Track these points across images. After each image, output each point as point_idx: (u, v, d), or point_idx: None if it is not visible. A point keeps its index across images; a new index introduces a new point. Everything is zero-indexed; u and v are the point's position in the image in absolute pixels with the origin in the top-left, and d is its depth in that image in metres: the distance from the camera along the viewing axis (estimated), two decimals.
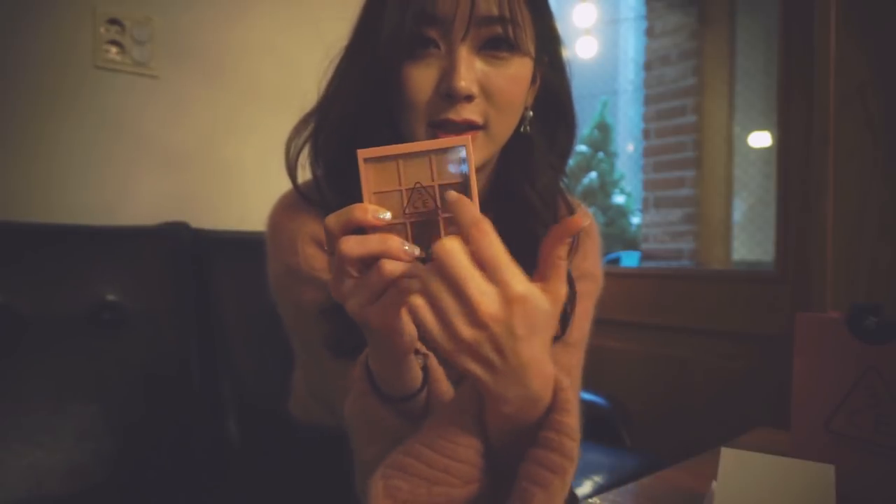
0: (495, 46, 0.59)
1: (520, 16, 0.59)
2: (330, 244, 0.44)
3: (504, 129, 0.62)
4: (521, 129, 0.66)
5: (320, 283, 0.67)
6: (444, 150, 0.43)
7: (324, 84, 0.71)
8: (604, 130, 5.47)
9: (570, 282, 0.70)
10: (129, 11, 1.33)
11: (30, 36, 1.23)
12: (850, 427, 0.67)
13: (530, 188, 0.66)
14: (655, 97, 2.76)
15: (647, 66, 2.83)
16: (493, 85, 0.58)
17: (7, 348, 0.98)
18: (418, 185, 0.43)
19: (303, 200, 0.71)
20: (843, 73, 1.35)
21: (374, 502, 0.44)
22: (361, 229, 0.43)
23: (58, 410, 0.98)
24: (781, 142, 1.54)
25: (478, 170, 0.58)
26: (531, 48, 0.62)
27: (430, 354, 0.55)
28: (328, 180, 0.68)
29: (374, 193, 0.44)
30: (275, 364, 1.21)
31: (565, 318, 0.70)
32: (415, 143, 0.44)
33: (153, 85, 1.38)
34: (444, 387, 0.55)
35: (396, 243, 0.42)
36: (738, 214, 2.67)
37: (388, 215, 0.43)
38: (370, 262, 0.42)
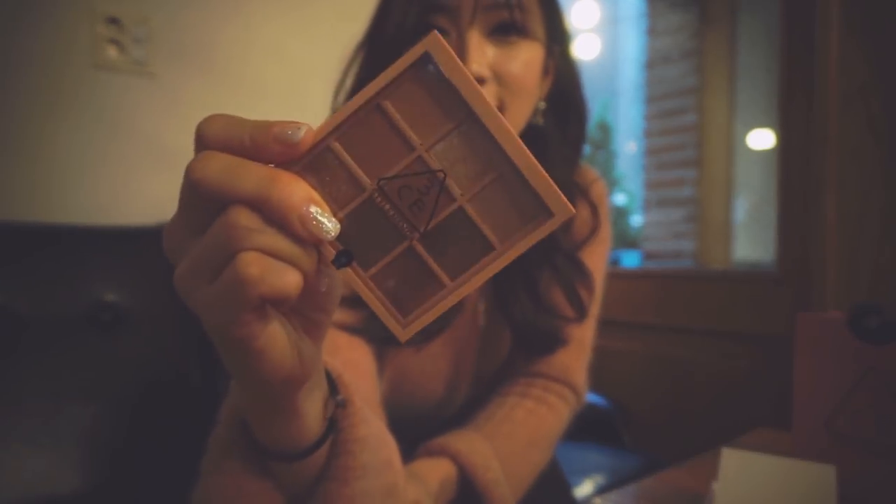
0: (504, 31, 0.59)
1: (526, 1, 0.59)
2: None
3: (520, 114, 0.62)
4: (535, 122, 0.65)
5: None
6: (414, 66, 0.28)
7: (337, 83, 0.70)
8: (604, 130, 5.48)
9: (583, 267, 0.71)
10: (127, 10, 1.33)
11: (27, 35, 1.23)
12: (852, 427, 0.67)
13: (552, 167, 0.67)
14: (656, 96, 2.75)
15: (648, 65, 2.83)
16: (506, 69, 0.58)
17: (6, 349, 0.98)
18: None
19: None
20: (844, 72, 1.35)
21: None
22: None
23: (57, 410, 0.98)
24: (783, 141, 1.54)
25: None
26: (541, 34, 0.62)
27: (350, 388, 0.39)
28: None
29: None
30: None
31: (579, 302, 0.71)
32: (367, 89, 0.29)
33: (152, 84, 1.38)
34: (363, 431, 0.39)
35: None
36: (739, 214, 2.67)
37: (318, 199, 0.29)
38: None
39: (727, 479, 0.55)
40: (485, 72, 0.57)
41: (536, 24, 0.61)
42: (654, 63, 2.79)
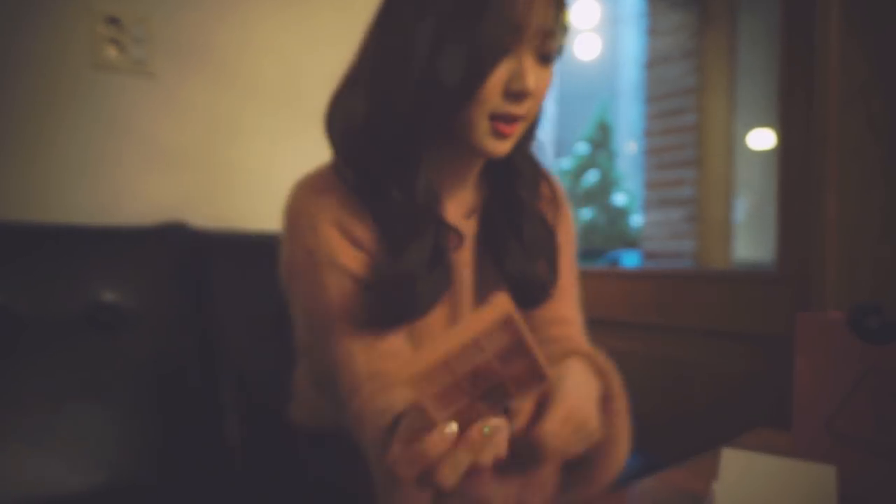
0: (545, 59, 0.69)
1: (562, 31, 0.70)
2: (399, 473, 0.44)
3: (532, 118, 0.73)
4: None
5: (340, 267, 0.70)
6: (491, 330, 0.42)
7: (372, 61, 0.74)
8: (604, 130, 5.46)
9: (549, 229, 0.81)
10: (127, 10, 1.33)
11: (27, 34, 1.23)
12: (852, 427, 0.67)
13: (518, 154, 0.77)
14: (656, 96, 2.75)
15: (648, 64, 2.82)
16: (539, 88, 0.69)
17: (5, 349, 0.98)
18: (476, 369, 0.43)
19: (323, 183, 0.74)
20: (845, 72, 1.35)
21: None
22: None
23: (57, 410, 0.98)
24: (783, 141, 1.53)
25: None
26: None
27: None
28: (383, 165, 0.71)
29: (433, 396, 0.42)
30: (275, 364, 1.21)
31: (553, 266, 0.81)
32: (457, 334, 0.42)
33: (152, 84, 1.37)
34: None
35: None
36: (739, 214, 2.66)
37: (454, 428, 0.43)
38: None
39: (727, 479, 0.55)
40: (534, 88, 0.67)
41: (560, 51, 0.71)
42: (654, 63, 2.78)
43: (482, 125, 0.68)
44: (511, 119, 0.68)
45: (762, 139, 2.66)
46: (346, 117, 0.74)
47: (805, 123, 1.45)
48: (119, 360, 1.07)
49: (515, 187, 0.78)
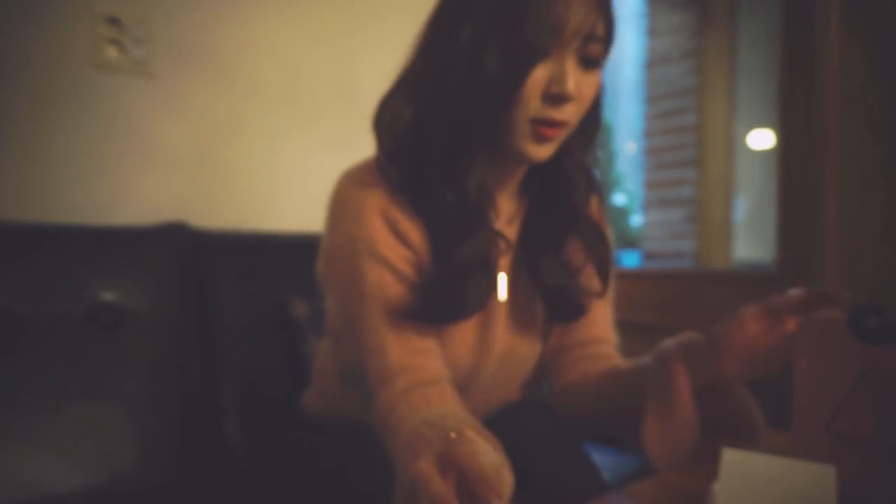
0: (589, 62, 0.68)
1: (608, 37, 0.70)
2: None
3: (575, 124, 0.72)
4: None
5: (382, 258, 0.70)
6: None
7: (421, 65, 0.73)
8: (604, 130, 5.47)
9: (604, 235, 0.82)
10: (127, 10, 1.33)
11: (27, 35, 1.23)
12: (852, 428, 0.67)
13: (569, 161, 0.77)
14: (656, 96, 2.76)
15: (648, 65, 2.83)
16: (583, 94, 0.69)
17: (6, 349, 0.98)
18: None
19: (370, 176, 0.74)
20: (845, 72, 1.35)
21: None
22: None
23: (57, 410, 0.98)
24: (783, 141, 1.54)
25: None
26: (603, 63, 0.72)
27: None
28: (434, 166, 0.70)
29: None
30: (274, 363, 1.21)
31: (605, 274, 0.82)
32: None
33: (152, 84, 1.38)
34: None
35: None
36: (738, 214, 2.67)
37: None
38: None
39: (727, 479, 0.55)
40: (574, 92, 0.67)
41: (605, 56, 0.71)
42: (653, 63, 2.79)
43: (523, 128, 0.67)
44: (552, 123, 0.67)
45: (762, 139, 2.66)
46: (393, 117, 0.73)
47: (805, 124, 1.45)
48: (119, 360, 1.07)
49: (566, 194, 0.78)
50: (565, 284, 0.78)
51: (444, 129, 0.69)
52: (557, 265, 0.78)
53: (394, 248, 0.70)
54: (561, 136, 0.70)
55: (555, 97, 0.66)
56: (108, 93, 1.32)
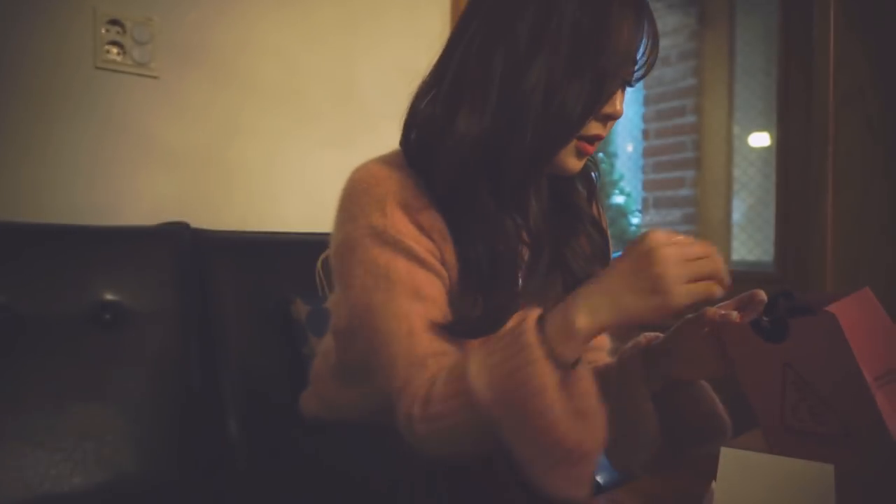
0: (633, 83, 0.72)
1: None
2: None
3: None
4: None
5: (407, 249, 0.69)
6: None
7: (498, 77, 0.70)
8: None
9: (604, 230, 0.84)
10: (129, 12, 1.34)
11: (30, 36, 1.23)
12: (796, 421, 0.67)
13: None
14: (655, 97, 2.76)
15: None
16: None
17: (7, 348, 0.98)
18: None
19: (394, 168, 0.73)
20: (842, 72, 1.35)
21: None
22: None
23: (58, 410, 0.99)
24: (781, 142, 1.54)
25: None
26: None
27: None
28: (491, 192, 0.71)
29: None
30: (274, 364, 1.21)
31: (605, 260, 0.84)
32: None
33: (154, 85, 1.38)
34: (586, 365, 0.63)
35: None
36: (737, 214, 2.67)
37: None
38: None
39: (726, 479, 0.55)
40: (621, 114, 0.71)
41: None
42: None
43: (570, 146, 0.70)
44: (595, 140, 0.71)
45: (761, 140, 2.67)
46: (435, 126, 0.71)
47: (803, 124, 1.46)
48: (121, 360, 1.07)
49: (573, 197, 0.81)
50: (591, 271, 0.79)
51: (521, 161, 0.69)
52: (581, 253, 0.80)
53: (418, 240, 0.70)
54: (596, 149, 0.73)
55: (607, 117, 0.70)
56: (110, 93, 1.32)
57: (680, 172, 2.65)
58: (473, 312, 0.68)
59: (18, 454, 0.94)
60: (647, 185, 2.81)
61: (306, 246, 1.14)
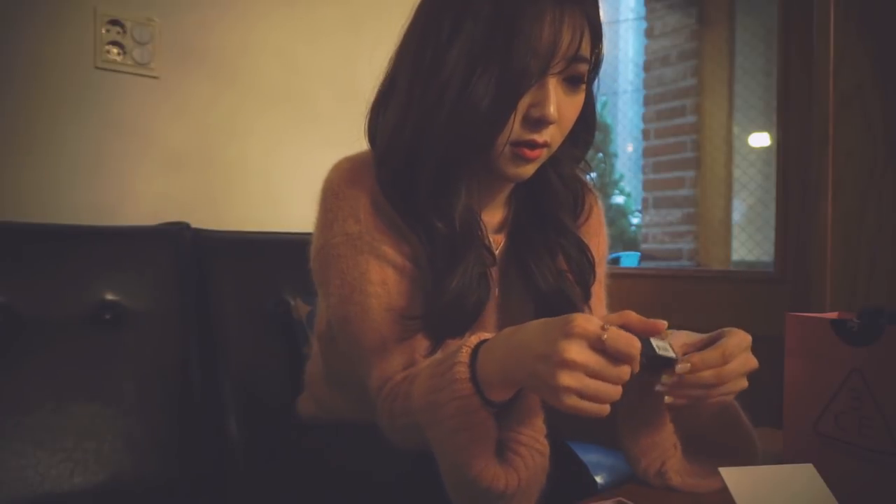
0: (573, 81, 0.68)
1: (590, 55, 0.68)
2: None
3: (558, 144, 0.72)
4: None
5: (383, 255, 0.69)
6: None
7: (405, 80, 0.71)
8: (603, 131, 5.47)
9: (586, 252, 0.80)
10: (130, 12, 1.34)
11: (30, 37, 1.23)
12: (836, 429, 0.67)
13: (555, 175, 0.77)
14: (655, 98, 2.76)
15: (647, 66, 2.83)
16: (565, 114, 0.68)
17: (7, 348, 0.98)
18: None
19: (364, 168, 0.73)
20: (842, 73, 1.35)
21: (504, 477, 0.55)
22: None
23: (58, 410, 0.99)
24: (781, 142, 1.54)
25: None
26: (586, 78, 0.70)
27: None
28: (424, 192, 0.70)
29: None
30: (275, 364, 1.21)
31: (586, 289, 0.80)
32: None
33: (154, 86, 1.38)
34: (532, 399, 0.60)
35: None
36: (737, 215, 2.67)
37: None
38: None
39: (743, 497, 0.55)
40: (555, 115, 0.66)
41: (587, 71, 0.70)
42: (652, 64, 2.79)
43: (504, 151, 0.67)
44: (533, 145, 0.67)
45: (761, 140, 2.67)
46: (383, 130, 0.73)
47: (803, 124, 1.46)
48: (120, 360, 1.07)
49: (551, 207, 0.78)
50: (559, 288, 0.77)
51: (434, 155, 0.68)
52: (550, 269, 0.78)
53: (393, 243, 0.70)
54: (543, 156, 0.70)
55: (536, 121, 0.66)
56: (111, 94, 1.32)
57: (680, 172, 2.65)
58: (436, 307, 0.68)
59: (18, 454, 0.94)
60: (647, 185, 2.81)
61: (306, 246, 1.13)
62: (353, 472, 0.76)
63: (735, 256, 2.65)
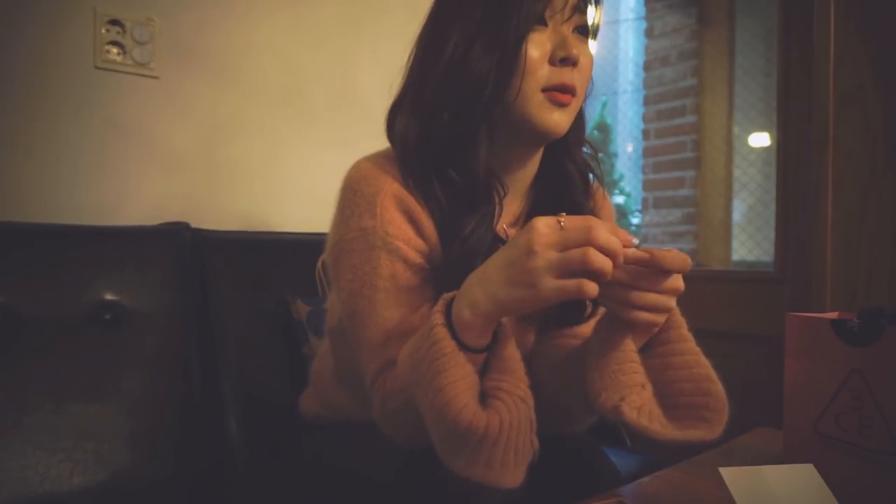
0: (582, 31, 0.72)
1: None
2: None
3: (583, 97, 0.75)
4: None
5: (395, 250, 0.70)
6: None
7: (422, 60, 0.75)
8: (603, 131, 5.46)
9: None
10: (129, 12, 1.34)
11: (30, 36, 1.23)
12: (836, 429, 0.67)
13: (571, 163, 0.80)
14: (655, 98, 2.76)
15: (647, 66, 2.83)
16: (583, 61, 0.71)
17: (7, 348, 0.98)
18: None
19: (387, 164, 0.74)
20: (842, 73, 1.35)
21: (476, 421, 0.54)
22: None
23: (58, 410, 0.99)
24: (781, 142, 1.54)
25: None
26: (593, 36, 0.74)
27: (505, 322, 0.62)
28: (442, 153, 0.72)
29: None
30: (275, 364, 1.21)
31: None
32: None
33: (154, 85, 1.38)
34: (511, 349, 0.61)
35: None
36: (737, 215, 2.67)
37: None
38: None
39: (744, 497, 0.55)
40: (577, 55, 0.69)
41: (597, 23, 0.74)
42: (652, 64, 2.79)
43: (536, 98, 0.69)
44: (564, 89, 0.69)
45: (761, 140, 2.67)
46: (402, 130, 0.75)
47: (803, 124, 1.46)
48: (120, 360, 1.07)
49: (571, 195, 0.79)
50: None
51: (448, 114, 0.70)
52: None
53: (409, 239, 0.70)
54: (574, 105, 0.71)
55: (563, 60, 0.69)
56: (111, 94, 1.32)
57: (680, 172, 2.65)
58: (447, 258, 0.70)
59: (18, 454, 0.94)
60: (647, 185, 2.81)
61: (306, 246, 1.14)
62: (353, 472, 0.76)
63: (735, 256, 2.65)
